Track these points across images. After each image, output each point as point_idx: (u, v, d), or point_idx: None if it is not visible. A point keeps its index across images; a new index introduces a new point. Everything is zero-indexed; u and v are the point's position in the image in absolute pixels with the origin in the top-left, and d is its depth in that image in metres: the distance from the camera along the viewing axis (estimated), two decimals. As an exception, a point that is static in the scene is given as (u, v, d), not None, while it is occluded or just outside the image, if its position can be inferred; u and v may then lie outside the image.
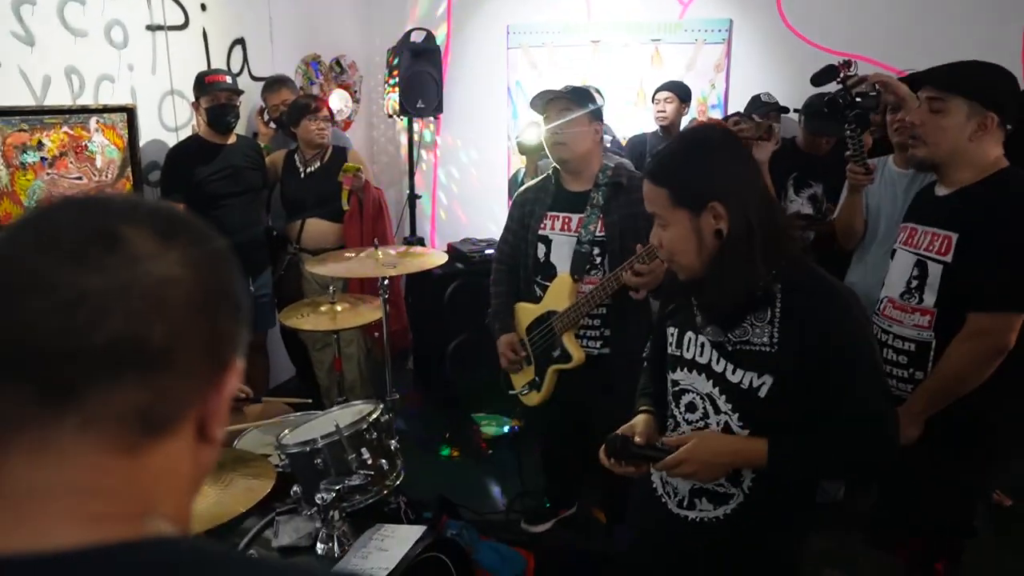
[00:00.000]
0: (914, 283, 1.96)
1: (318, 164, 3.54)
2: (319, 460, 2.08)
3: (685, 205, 1.41)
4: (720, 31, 4.17)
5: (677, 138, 1.48)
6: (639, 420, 1.63)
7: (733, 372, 1.46)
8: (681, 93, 3.88)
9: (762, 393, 1.42)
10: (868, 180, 2.57)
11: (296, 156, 3.61)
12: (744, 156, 1.48)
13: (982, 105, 1.86)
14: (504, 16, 4.41)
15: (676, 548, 1.63)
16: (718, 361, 1.48)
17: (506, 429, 3.88)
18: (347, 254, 2.80)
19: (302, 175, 3.58)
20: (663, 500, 1.63)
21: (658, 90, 3.92)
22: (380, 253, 2.67)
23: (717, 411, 1.49)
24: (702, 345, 1.51)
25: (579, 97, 2.51)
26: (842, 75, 2.50)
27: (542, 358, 2.64)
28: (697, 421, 1.53)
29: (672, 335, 1.60)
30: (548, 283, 2.61)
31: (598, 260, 2.54)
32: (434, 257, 2.75)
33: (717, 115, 4.12)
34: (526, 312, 2.69)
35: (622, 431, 1.57)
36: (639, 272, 2.29)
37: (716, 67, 4.22)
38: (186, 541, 0.56)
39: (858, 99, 2.50)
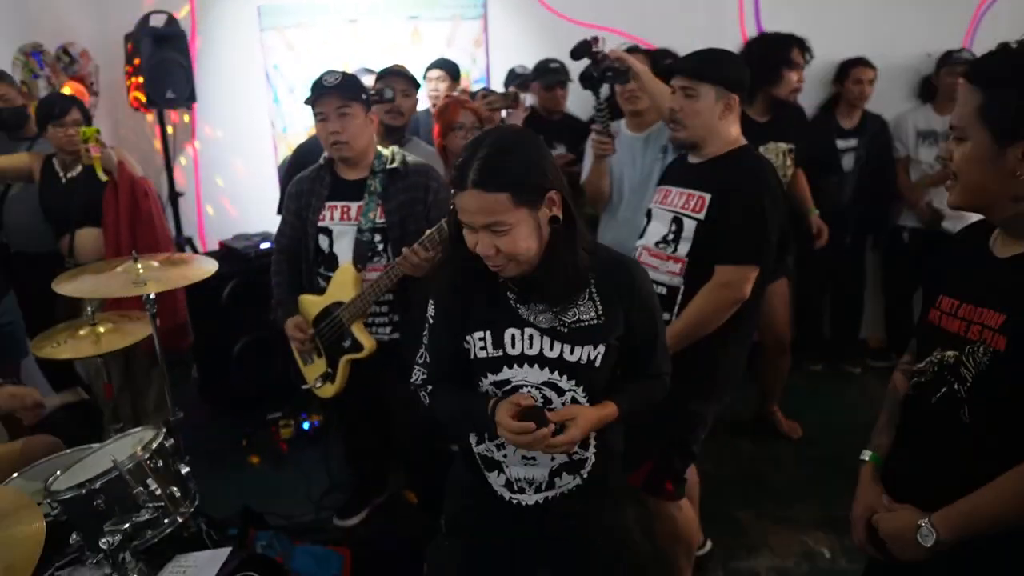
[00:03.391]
0: (671, 236, 2.21)
1: (80, 168, 3.16)
2: (99, 501, 1.88)
3: (527, 203, 1.42)
4: (476, 6, 4.25)
5: (487, 143, 1.43)
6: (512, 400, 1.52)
7: (571, 352, 1.53)
8: (452, 71, 3.91)
9: (597, 363, 1.54)
10: (612, 150, 2.81)
11: (55, 160, 3.21)
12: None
13: (727, 89, 2.15)
14: (253, -5, 4.16)
15: (538, 535, 1.68)
16: (552, 347, 1.53)
17: (306, 426, 3.77)
18: (102, 268, 2.51)
19: (63, 181, 3.19)
20: (514, 501, 1.64)
21: (429, 68, 3.91)
22: (140, 266, 2.43)
23: (560, 392, 1.55)
24: (530, 337, 1.53)
25: (351, 89, 2.44)
26: (593, 50, 2.66)
27: (333, 349, 2.59)
28: None
29: (482, 339, 1.55)
30: (331, 274, 2.55)
31: (380, 247, 2.52)
32: (199, 269, 2.53)
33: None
34: (311, 304, 2.62)
35: (520, 401, 1.50)
36: (420, 257, 2.29)
37: (475, 42, 4.31)
38: None
39: (608, 73, 2.67)
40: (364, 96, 2.46)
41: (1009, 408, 1.32)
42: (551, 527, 1.67)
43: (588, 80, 2.70)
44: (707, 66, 2.18)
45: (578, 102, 3.88)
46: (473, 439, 1.66)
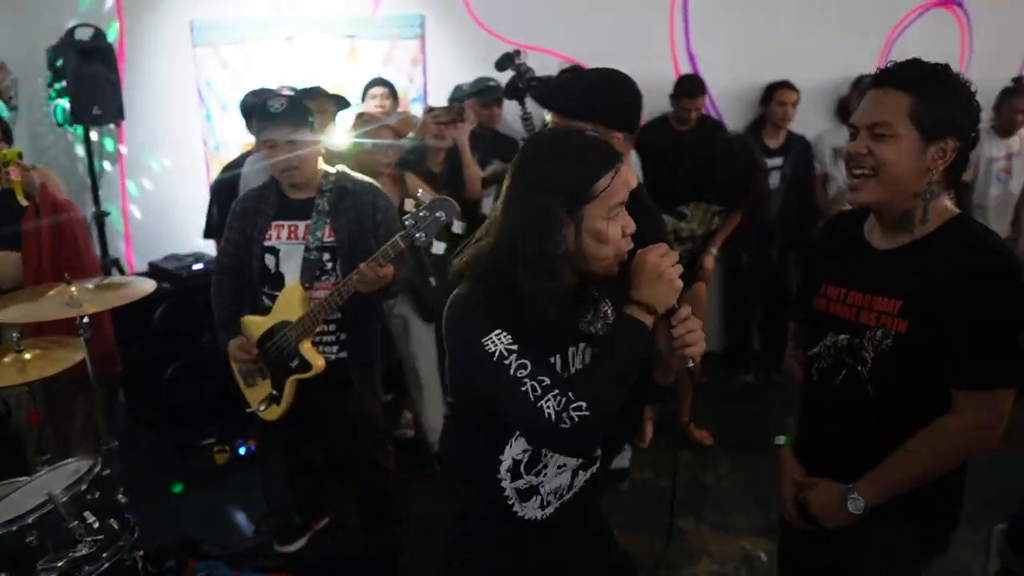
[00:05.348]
0: None
1: None
2: (31, 538, 1.80)
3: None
4: (413, 26, 4.26)
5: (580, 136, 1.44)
6: None
7: None
8: (393, 89, 3.93)
9: None
10: None
11: None
12: None
13: (607, 127, 1.80)
14: (186, 11, 4.05)
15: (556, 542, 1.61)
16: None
17: (242, 451, 3.68)
18: (33, 295, 2.41)
19: None
20: (542, 517, 1.55)
21: (372, 86, 3.90)
22: (73, 289, 2.34)
23: None
24: (583, 350, 1.48)
25: (300, 115, 2.42)
26: (516, 63, 2.71)
27: (279, 370, 2.55)
28: None
29: (552, 362, 1.43)
30: (276, 293, 2.52)
31: (329, 266, 2.50)
32: (136, 288, 2.46)
33: (418, 108, 4.21)
34: (255, 325, 2.57)
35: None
36: (377, 274, 2.28)
37: (413, 62, 4.32)
38: None
39: (532, 83, 2.73)
40: (311, 118, 2.45)
41: (908, 381, 1.52)
42: (564, 533, 1.60)
43: (513, 91, 2.75)
44: (583, 103, 1.81)
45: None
46: (506, 477, 1.50)
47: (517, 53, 2.75)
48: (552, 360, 1.42)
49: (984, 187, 4.29)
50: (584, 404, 1.31)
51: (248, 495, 3.33)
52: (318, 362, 2.47)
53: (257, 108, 2.41)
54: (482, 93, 3.82)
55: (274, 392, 2.56)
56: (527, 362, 1.33)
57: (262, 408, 2.60)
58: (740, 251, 4.23)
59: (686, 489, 3.44)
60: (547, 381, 1.33)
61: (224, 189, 3.20)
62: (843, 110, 4.50)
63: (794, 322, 1.90)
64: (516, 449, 1.47)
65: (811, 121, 4.49)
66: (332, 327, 2.55)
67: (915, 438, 1.53)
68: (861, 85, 4.28)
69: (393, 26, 4.25)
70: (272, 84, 3.86)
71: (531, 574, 1.61)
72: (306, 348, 2.47)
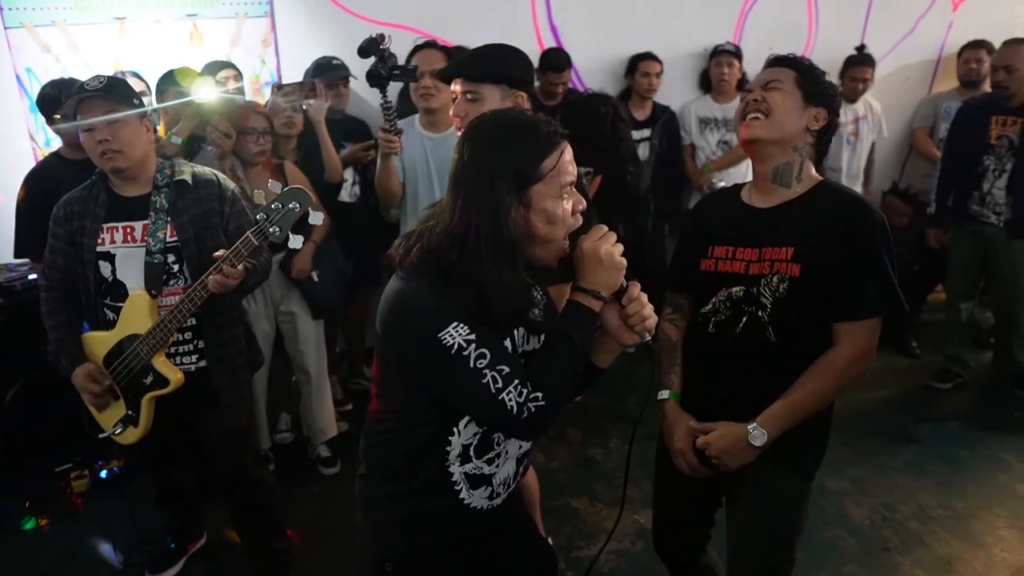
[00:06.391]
0: None
1: None
2: None
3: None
4: (261, 3, 3.98)
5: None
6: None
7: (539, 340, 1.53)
8: (239, 72, 3.65)
9: None
10: (399, 149, 2.72)
11: None
12: None
13: (510, 87, 2.07)
14: (-9, -13, 3.60)
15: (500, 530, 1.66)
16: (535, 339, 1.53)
17: (103, 474, 3.37)
18: None
19: None
20: (490, 507, 1.57)
21: (221, 69, 3.60)
22: None
23: None
24: (525, 335, 1.51)
25: (120, 92, 2.17)
26: (380, 48, 2.56)
27: (132, 388, 2.30)
28: None
29: (519, 336, 1.49)
30: (120, 304, 2.26)
31: (175, 268, 2.27)
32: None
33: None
34: (99, 342, 2.31)
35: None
36: (228, 275, 2.10)
37: (263, 42, 4.04)
38: None
39: (395, 71, 2.59)
40: (136, 100, 2.20)
41: (803, 321, 1.73)
42: (501, 521, 1.64)
43: (375, 78, 2.60)
44: (488, 65, 2.09)
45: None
46: (456, 463, 1.49)
47: (381, 37, 2.58)
48: (506, 345, 1.42)
49: (836, 151, 4.51)
50: (541, 395, 1.36)
51: (114, 523, 3.04)
52: (175, 376, 2.24)
53: (75, 90, 2.15)
54: (326, 73, 3.61)
55: (130, 412, 2.31)
56: (486, 351, 1.33)
57: (118, 431, 2.34)
58: (616, 223, 4.24)
59: (579, 468, 3.43)
60: (506, 370, 1.34)
61: (43, 195, 2.77)
62: (706, 81, 4.59)
63: (669, 290, 2.03)
64: (466, 435, 1.47)
65: (675, 93, 4.57)
66: (188, 335, 2.33)
67: (807, 373, 1.74)
68: (718, 55, 4.40)
69: (239, 3, 3.95)
70: (106, 69, 3.51)
71: (472, 562, 1.63)
72: (160, 362, 2.24)
